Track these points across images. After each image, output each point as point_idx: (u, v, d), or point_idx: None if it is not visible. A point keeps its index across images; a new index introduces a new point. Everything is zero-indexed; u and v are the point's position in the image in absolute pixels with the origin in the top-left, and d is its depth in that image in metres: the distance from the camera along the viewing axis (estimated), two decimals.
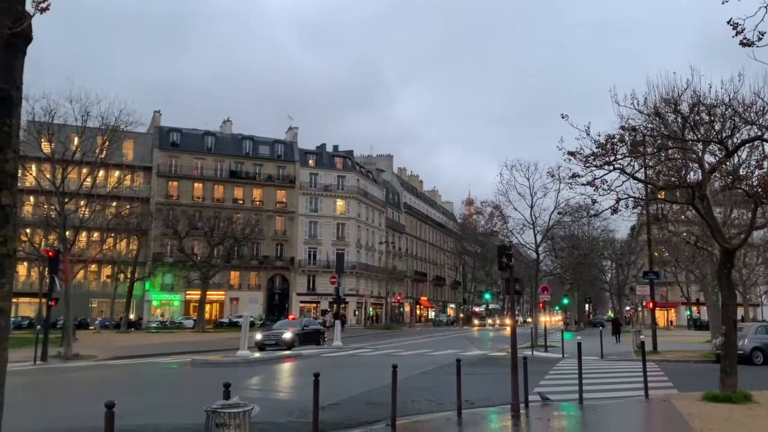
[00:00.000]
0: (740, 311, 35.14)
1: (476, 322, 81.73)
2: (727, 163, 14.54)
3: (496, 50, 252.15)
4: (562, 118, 14.12)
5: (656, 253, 38.20)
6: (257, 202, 73.94)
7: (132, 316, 59.52)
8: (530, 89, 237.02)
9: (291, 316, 49.53)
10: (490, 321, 79.44)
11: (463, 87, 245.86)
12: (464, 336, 48.16)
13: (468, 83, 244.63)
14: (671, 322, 78.10)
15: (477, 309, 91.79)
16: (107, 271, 63.40)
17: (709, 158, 14.28)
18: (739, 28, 8.14)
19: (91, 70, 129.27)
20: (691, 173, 15.35)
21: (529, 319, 71.79)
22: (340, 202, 78.67)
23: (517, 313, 16.57)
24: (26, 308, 56.95)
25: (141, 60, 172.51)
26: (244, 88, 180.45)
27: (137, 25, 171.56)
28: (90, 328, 55.95)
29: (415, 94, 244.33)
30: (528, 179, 32.99)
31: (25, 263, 55.78)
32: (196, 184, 71.28)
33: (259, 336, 30.25)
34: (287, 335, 29.53)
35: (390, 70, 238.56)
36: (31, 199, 46.45)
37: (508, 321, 74.32)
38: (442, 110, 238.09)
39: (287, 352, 26.85)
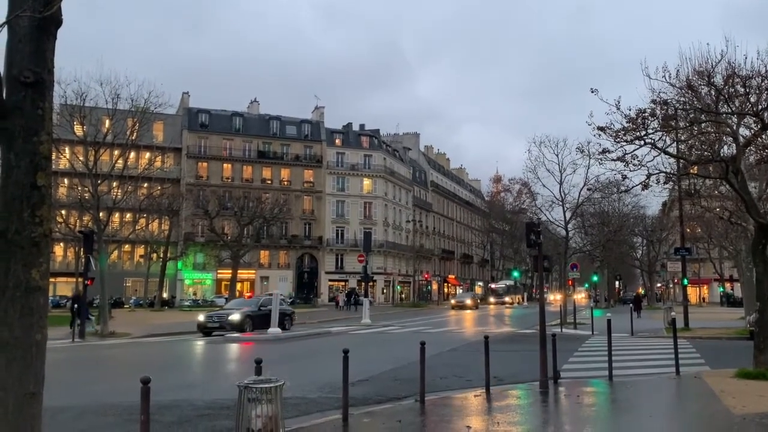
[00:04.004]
0: None
1: (492, 300, 73.75)
2: (763, 136, 14.16)
3: (515, 24, 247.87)
4: (592, 92, 13.93)
5: (688, 229, 37.53)
6: (285, 182, 74.44)
7: (165, 295, 60.77)
8: (553, 63, 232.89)
9: (248, 294, 44.57)
10: (508, 299, 73.31)
11: (484, 62, 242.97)
12: (492, 314, 48.13)
13: (489, 58, 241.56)
14: (704, 298, 76.90)
15: (494, 286, 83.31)
16: (140, 251, 64.68)
17: (743, 131, 13.92)
18: None
19: (115, 54, 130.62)
20: (725, 147, 15.00)
21: (559, 297, 71.08)
22: (366, 181, 78.77)
23: (546, 290, 16.44)
24: (63, 287, 58.48)
25: (161, 43, 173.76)
26: (268, 69, 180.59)
27: (156, 7, 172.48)
28: (125, 306, 57.25)
29: (436, 71, 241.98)
30: (557, 155, 32.58)
31: (62, 244, 57.18)
32: (225, 165, 72.01)
33: (201, 317, 26.49)
34: (235, 317, 25.08)
35: (410, 47, 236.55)
36: (65, 181, 47.42)
37: (508, 300, 71.70)
38: (463, 86, 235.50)
39: (317, 330, 27.11)
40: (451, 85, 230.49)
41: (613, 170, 15.48)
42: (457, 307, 54.61)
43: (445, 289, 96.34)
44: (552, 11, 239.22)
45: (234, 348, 20.21)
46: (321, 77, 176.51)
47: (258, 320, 25.47)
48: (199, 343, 22.15)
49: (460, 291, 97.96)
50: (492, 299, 74.30)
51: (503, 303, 71.00)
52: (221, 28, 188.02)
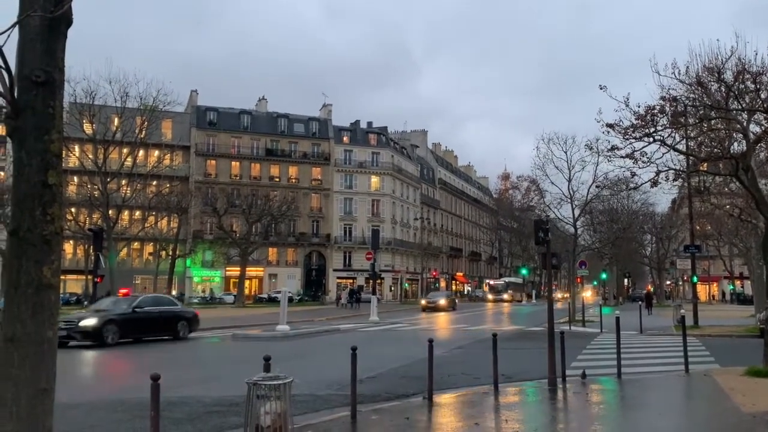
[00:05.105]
0: None
1: (490, 297, 70.77)
2: None
3: (518, 22, 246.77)
4: (601, 89, 13.88)
5: (698, 227, 37.32)
6: (293, 180, 74.59)
7: (174, 292, 60.98)
8: (559, 61, 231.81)
9: (122, 291, 37.25)
10: (507, 296, 70.55)
11: (489, 60, 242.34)
12: (500, 311, 48.07)
13: (493, 56, 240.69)
14: (713, 296, 76.53)
15: (492, 282, 79.97)
16: (149, 248, 64.98)
17: (754, 128, 13.85)
18: None
19: (123, 52, 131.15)
20: (735, 144, 14.90)
21: (560, 295, 70.56)
22: (374, 179, 78.78)
23: (554, 288, 16.34)
24: (73, 285, 58.80)
25: (168, 41, 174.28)
26: (275, 67, 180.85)
27: (163, 6, 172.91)
28: None
29: (441, 68, 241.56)
30: (565, 152, 32.47)
31: (71, 241, 57.51)
32: (233, 163, 72.23)
33: None
34: (88, 322, 18.86)
35: (414, 46, 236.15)
36: (75, 179, 47.67)
37: (506, 298, 69.31)
38: (469, 84, 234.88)
39: (325, 327, 27.08)
40: (456, 83, 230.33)
41: (622, 167, 15.46)
42: (429, 309, 44.68)
43: (453, 287, 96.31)
44: (555, 9, 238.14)
45: (244, 345, 20.27)
46: (327, 75, 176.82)
47: (129, 326, 19.90)
48: (206, 340, 22.25)
49: (469, 289, 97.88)
50: (490, 296, 72.09)
51: (502, 300, 68.22)
52: (227, 28, 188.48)
